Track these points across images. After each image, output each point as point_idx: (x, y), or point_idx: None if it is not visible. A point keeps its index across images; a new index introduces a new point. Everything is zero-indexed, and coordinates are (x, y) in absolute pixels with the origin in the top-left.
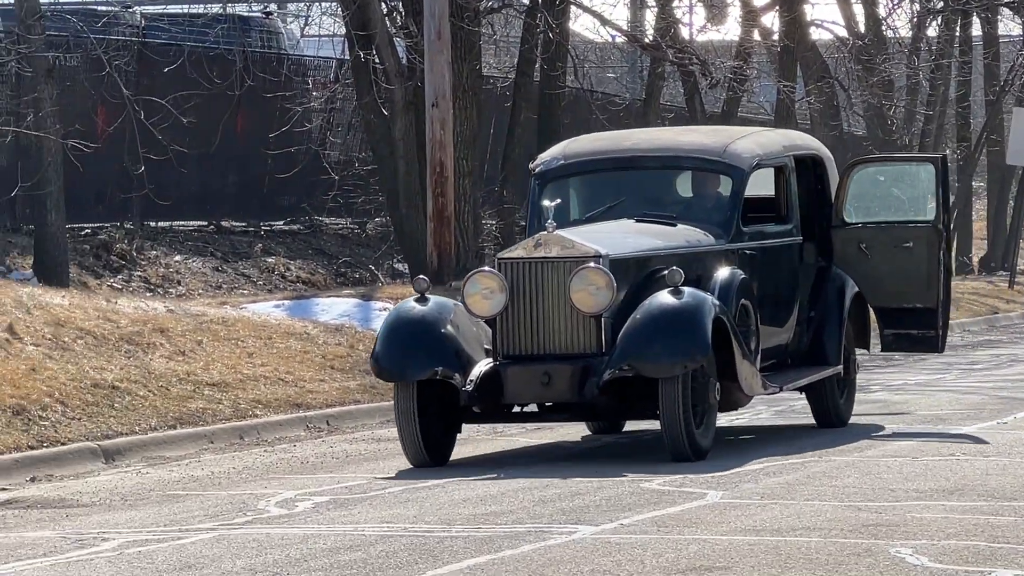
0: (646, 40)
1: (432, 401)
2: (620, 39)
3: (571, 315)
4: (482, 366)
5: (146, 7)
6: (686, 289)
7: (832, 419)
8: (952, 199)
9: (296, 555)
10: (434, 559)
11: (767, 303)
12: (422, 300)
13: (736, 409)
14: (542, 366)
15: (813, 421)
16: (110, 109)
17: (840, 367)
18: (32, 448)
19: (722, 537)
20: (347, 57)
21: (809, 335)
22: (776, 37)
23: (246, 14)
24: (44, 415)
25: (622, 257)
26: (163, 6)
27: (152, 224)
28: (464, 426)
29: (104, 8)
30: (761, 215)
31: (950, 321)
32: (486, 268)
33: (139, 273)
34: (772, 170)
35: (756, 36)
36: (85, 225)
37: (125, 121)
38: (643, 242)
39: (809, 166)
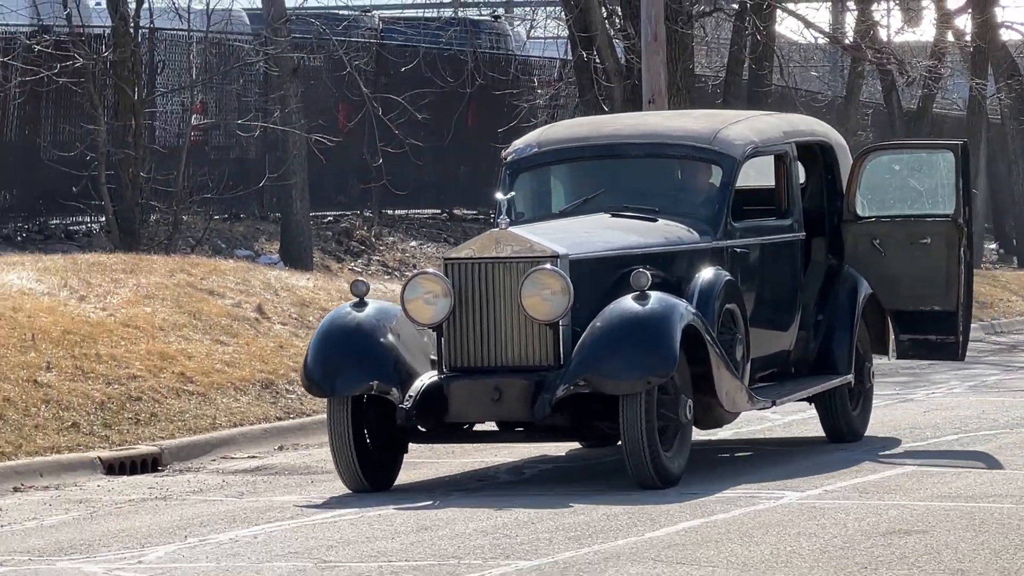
0: (847, 41)
1: (373, 419)
2: (822, 40)
3: (525, 323)
4: (424, 380)
5: (384, 11)
6: (653, 294)
7: (843, 433)
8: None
9: (524, 518)
10: (652, 522)
11: (764, 306)
12: (360, 305)
13: (720, 426)
14: (492, 380)
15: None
16: (350, 106)
17: (849, 376)
18: (279, 419)
19: (919, 503)
20: (570, 57)
21: (817, 341)
22: (968, 38)
23: (476, 18)
24: (290, 389)
25: (585, 257)
26: (399, 10)
27: (389, 212)
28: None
29: (345, 12)
30: (760, 208)
31: None
32: (430, 270)
33: (377, 257)
34: (772, 159)
35: (950, 37)
36: (327, 213)
37: (364, 117)
38: (613, 240)
39: (817, 154)
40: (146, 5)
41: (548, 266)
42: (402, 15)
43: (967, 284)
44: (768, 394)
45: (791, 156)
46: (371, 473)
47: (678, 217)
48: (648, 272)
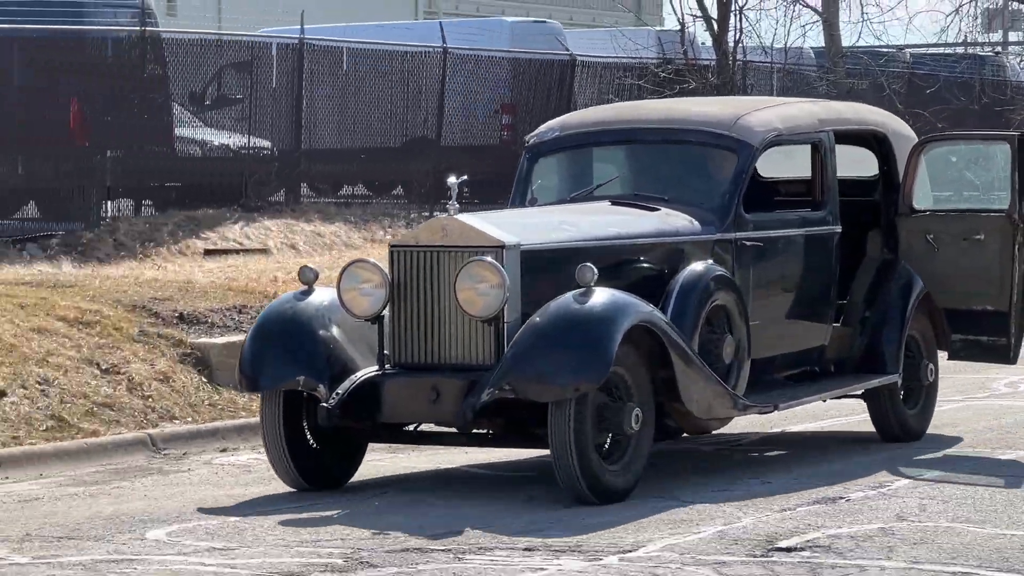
0: None
1: (313, 415)
2: None
3: (467, 318)
4: (357, 376)
5: (913, 49)
6: (598, 290)
7: (894, 431)
8: None
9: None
10: None
11: (785, 302)
12: (305, 293)
13: (707, 432)
14: (430, 379)
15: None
16: None
17: (895, 376)
18: None
19: None
20: None
21: (864, 338)
22: None
23: (982, 54)
24: None
25: (542, 248)
26: (925, 48)
27: None
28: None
29: (886, 49)
30: (796, 199)
31: None
32: (368, 259)
33: None
34: (809, 148)
35: None
36: None
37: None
38: (588, 230)
39: (871, 143)
40: (741, 44)
41: (488, 258)
42: (927, 52)
43: (1021, 283)
44: (774, 397)
45: (827, 145)
46: (311, 472)
47: (686, 206)
48: (591, 266)
